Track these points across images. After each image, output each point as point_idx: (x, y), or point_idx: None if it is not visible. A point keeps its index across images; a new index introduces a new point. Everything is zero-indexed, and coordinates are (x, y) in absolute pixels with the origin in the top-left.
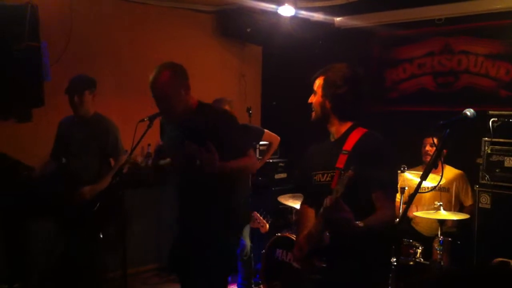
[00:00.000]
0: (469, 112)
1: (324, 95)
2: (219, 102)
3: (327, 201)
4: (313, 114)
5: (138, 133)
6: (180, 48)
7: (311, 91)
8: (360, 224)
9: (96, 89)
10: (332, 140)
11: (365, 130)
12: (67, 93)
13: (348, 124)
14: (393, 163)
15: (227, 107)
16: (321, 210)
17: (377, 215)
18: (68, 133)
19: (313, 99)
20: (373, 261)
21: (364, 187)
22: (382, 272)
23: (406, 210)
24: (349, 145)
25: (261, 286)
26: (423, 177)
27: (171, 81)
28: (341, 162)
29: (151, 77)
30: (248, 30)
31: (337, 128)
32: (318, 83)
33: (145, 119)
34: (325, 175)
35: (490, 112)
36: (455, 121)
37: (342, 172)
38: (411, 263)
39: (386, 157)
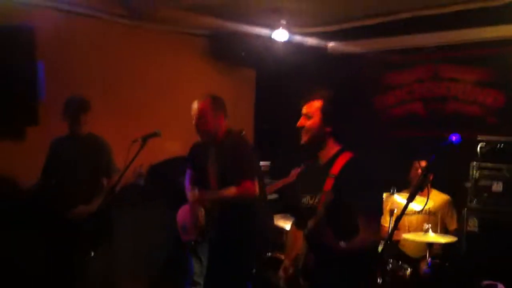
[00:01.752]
0: (454, 137)
1: (324, 118)
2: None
3: (310, 223)
4: (307, 137)
5: (130, 154)
6: (172, 70)
7: (301, 114)
8: (342, 246)
9: (89, 110)
10: (320, 163)
11: (351, 154)
12: (63, 114)
13: (337, 148)
14: (377, 188)
15: None
16: (304, 232)
17: (360, 238)
18: (60, 152)
19: (308, 122)
20: (356, 282)
21: (349, 210)
22: None
23: (392, 231)
24: (336, 169)
25: None
26: (410, 199)
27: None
28: (328, 185)
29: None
30: (243, 54)
31: (327, 152)
32: (316, 106)
33: (138, 140)
34: (313, 197)
35: (478, 137)
36: (441, 146)
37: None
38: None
39: (370, 182)
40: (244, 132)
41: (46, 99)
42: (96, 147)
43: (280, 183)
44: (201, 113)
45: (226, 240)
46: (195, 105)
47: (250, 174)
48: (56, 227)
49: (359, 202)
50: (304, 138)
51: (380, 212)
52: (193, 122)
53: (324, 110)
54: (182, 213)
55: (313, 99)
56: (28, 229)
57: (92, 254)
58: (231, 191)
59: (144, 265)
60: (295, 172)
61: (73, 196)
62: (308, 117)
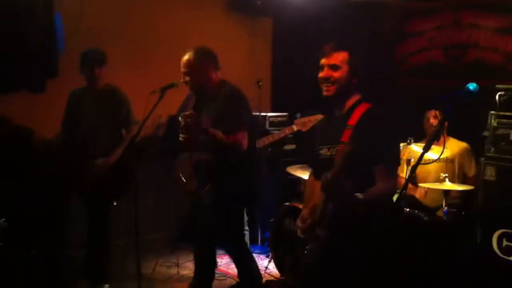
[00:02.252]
0: (471, 86)
1: (352, 70)
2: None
3: (327, 174)
4: (333, 88)
5: (149, 105)
6: (189, 22)
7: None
8: (359, 196)
9: (107, 62)
10: (338, 115)
11: (369, 105)
12: (80, 67)
13: (355, 99)
14: (394, 138)
15: None
16: (322, 182)
17: (377, 187)
18: (78, 104)
19: (336, 74)
20: (373, 231)
21: (366, 161)
22: (383, 242)
23: (408, 179)
24: (353, 119)
25: (270, 254)
26: (426, 149)
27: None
28: (346, 136)
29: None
30: (259, 2)
31: (346, 103)
32: (342, 57)
33: (157, 91)
34: (331, 149)
35: (497, 86)
36: (457, 96)
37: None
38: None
39: (388, 132)
40: (261, 83)
41: (66, 52)
42: (114, 99)
43: (273, 138)
44: (186, 67)
45: (214, 192)
46: (182, 60)
47: (240, 126)
48: (77, 179)
49: (376, 152)
50: (330, 90)
51: (397, 162)
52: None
53: (351, 62)
54: (181, 164)
55: (338, 50)
56: (49, 180)
57: (115, 203)
58: (221, 135)
59: (165, 216)
60: (290, 128)
61: (93, 148)
62: (335, 68)
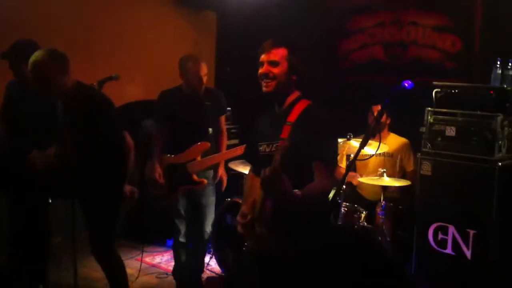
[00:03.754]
0: (407, 83)
1: (291, 67)
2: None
3: (266, 171)
4: (272, 85)
5: None
6: (133, 15)
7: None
8: (297, 193)
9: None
10: (277, 111)
11: (309, 102)
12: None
13: (295, 95)
14: (333, 135)
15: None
16: (261, 179)
17: (315, 184)
18: (15, 97)
19: (275, 70)
20: (312, 227)
21: (304, 157)
22: (320, 238)
23: (345, 175)
24: (293, 116)
25: (211, 250)
26: (362, 145)
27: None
28: (285, 133)
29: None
30: None
31: (286, 100)
32: (281, 53)
33: (94, 84)
34: (270, 145)
35: (433, 83)
36: (394, 92)
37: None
38: (355, 227)
39: (327, 129)
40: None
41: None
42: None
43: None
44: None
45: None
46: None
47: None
48: (13, 175)
49: (314, 148)
50: (269, 86)
51: (336, 159)
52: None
53: (290, 58)
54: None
55: (277, 46)
56: None
57: (50, 201)
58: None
59: None
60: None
61: (31, 143)
62: (274, 64)
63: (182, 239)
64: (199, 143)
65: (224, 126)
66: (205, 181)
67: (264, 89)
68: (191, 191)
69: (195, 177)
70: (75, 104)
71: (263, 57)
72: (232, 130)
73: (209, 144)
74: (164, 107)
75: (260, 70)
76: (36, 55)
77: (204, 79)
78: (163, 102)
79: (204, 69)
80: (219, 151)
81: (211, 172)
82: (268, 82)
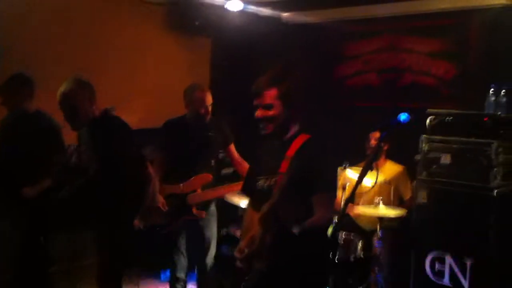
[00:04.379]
0: (402, 116)
1: (285, 104)
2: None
3: (265, 206)
4: (271, 127)
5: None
6: (127, 39)
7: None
8: (296, 230)
9: (35, 87)
10: (276, 143)
11: (308, 136)
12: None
13: (294, 129)
14: (331, 167)
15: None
16: (260, 215)
17: (315, 218)
18: (9, 130)
19: (270, 113)
20: (311, 263)
21: (303, 191)
22: (320, 273)
23: (344, 208)
24: (292, 150)
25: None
26: (360, 179)
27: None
28: (284, 167)
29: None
30: (197, 23)
31: (286, 135)
32: (272, 95)
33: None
34: (269, 179)
35: (428, 110)
36: (390, 125)
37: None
38: (352, 259)
39: (325, 163)
40: None
41: None
42: (44, 125)
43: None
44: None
45: None
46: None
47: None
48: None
49: (314, 182)
50: (267, 129)
51: (335, 191)
52: None
53: (282, 96)
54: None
55: (267, 88)
56: None
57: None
58: None
59: None
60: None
61: (23, 175)
62: (268, 107)
63: (179, 274)
64: (200, 175)
65: (236, 154)
66: (204, 213)
67: (262, 132)
68: (193, 222)
69: (194, 209)
70: (101, 132)
71: (255, 101)
72: (227, 159)
73: (211, 177)
74: (168, 136)
75: (256, 114)
76: (64, 85)
77: (209, 108)
78: (167, 130)
79: (209, 98)
80: None
81: (213, 204)
82: (265, 125)
